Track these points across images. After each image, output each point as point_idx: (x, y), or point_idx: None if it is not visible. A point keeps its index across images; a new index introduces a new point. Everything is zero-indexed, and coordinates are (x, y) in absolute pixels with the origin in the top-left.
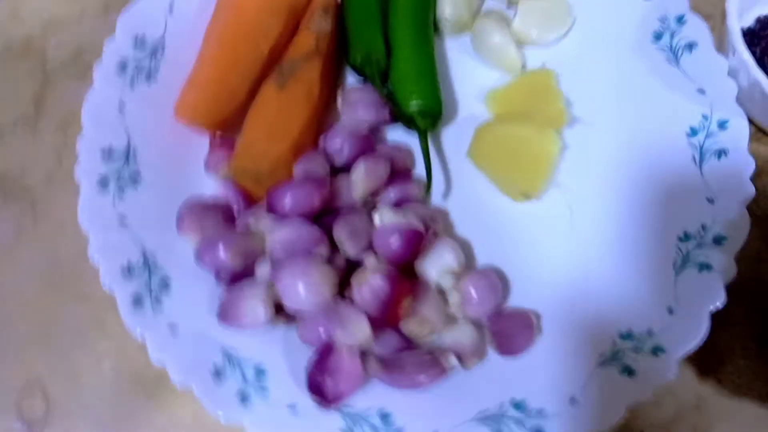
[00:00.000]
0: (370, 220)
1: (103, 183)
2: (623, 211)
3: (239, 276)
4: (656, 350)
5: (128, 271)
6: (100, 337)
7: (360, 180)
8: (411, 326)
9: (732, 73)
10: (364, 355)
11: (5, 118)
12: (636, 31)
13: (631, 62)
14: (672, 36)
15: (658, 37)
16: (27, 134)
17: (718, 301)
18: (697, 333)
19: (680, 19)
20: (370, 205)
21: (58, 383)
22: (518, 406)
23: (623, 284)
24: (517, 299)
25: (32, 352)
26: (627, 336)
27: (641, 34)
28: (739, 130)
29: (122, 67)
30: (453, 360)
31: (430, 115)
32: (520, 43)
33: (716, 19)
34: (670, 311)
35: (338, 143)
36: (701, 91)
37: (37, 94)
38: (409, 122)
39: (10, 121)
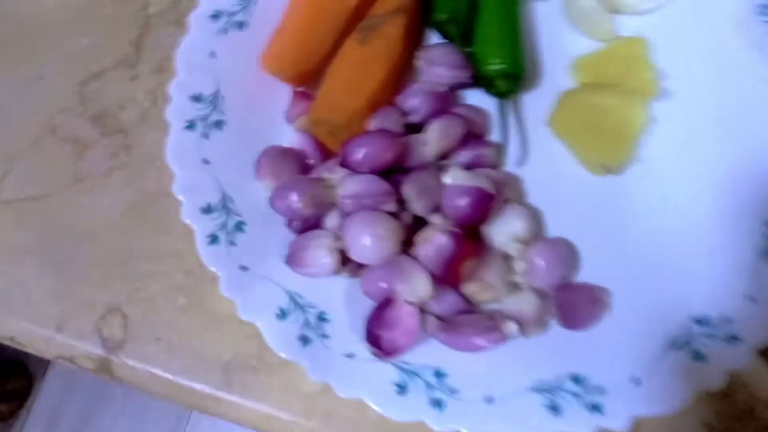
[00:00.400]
0: (440, 179)
1: (191, 125)
2: (708, 191)
3: (310, 225)
4: (732, 338)
5: (208, 210)
6: (177, 269)
7: (434, 138)
8: (472, 289)
9: None
10: (423, 312)
11: (108, 59)
12: (739, 3)
13: (731, 35)
14: None
15: (764, 9)
16: (126, 75)
17: None
18: None
19: None
20: (442, 165)
21: (136, 310)
22: (577, 380)
23: (702, 267)
24: (586, 274)
25: (114, 276)
26: (702, 321)
27: (745, 4)
28: None
29: (216, 15)
30: (513, 327)
31: (511, 78)
32: (614, 11)
33: None
34: (753, 299)
35: (415, 101)
36: None
37: (137, 37)
38: (489, 84)
39: (112, 62)
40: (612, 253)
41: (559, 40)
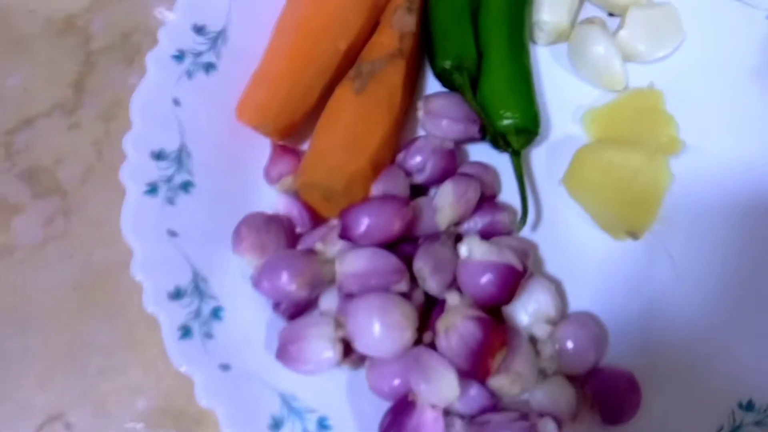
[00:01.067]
0: (455, 251)
1: (152, 189)
2: (740, 253)
3: (301, 307)
4: None
5: (177, 294)
6: (135, 363)
7: (448, 205)
8: (501, 382)
9: None
10: (445, 414)
11: (41, 103)
12: (756, 54)
13: (749, 89)
14: None
15: None
16: (64, 122)
17: None
18: None
19: None
20: (453, 233)
21: (82, 418)
22: None
23: (739, 346)
24: (613, 356)
25: (55, 377)
26: (747, 407)
27: (762, 59)
28: None
29: (179, 55)
30: (551, 426)
31: (525, 133)
32: (624, 58)
33: None
34: None
35: (420, 159)
36: None
37: (78, 77)
38: (499, 140)
39: (47, 107)
40: (640, 329)
41: (568, 90)
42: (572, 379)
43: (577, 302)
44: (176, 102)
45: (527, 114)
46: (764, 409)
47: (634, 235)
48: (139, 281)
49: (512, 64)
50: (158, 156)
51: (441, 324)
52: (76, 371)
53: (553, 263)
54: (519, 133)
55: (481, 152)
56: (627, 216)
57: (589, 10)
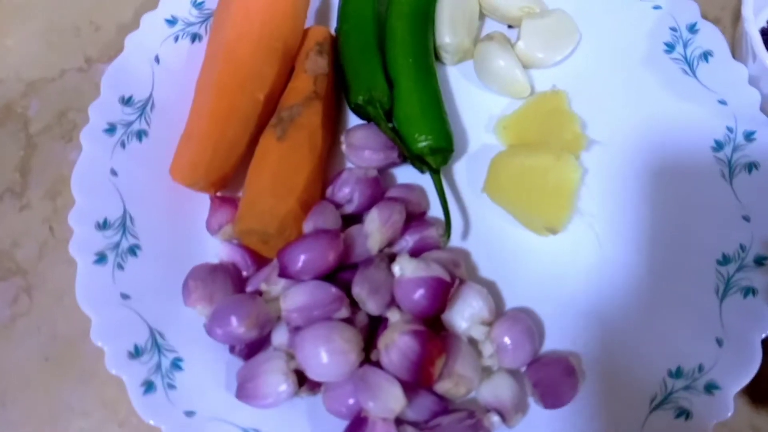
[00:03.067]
0: (389, 271)
1: (101, 258)
2: (654, 235)
3: (256, 346)
4: (710, 387)
5: (136, 353)
6: (111, 421)
7: (375, 230)
8: (447, 387)
9: (752, 81)
10: (398, 423)
11: None
12: (646, 42)
13: (644, 76)
14: (685, 45)
15: (670, 47)
16: (14, 205)
17: None
18: (751, 364)
19: (692, 28)
20: (386, 255)
21: None
22: None
23: (664, 316)
24: (552, 341)
25: None
26: (677, 374)
27: (652, 46)
28: None
29: (111, 128)
30: (496, 419)
31: (440, 152)
32: (526, 66)
33: (725, 23)
34: (719, 342)
35: (347, 191)
36: (722, 102)
37: (22, 160)
38: (419, 161)
39: None
40: (572, 316)
41: (479, 103)
42: (516, 371)
43: (513, 300)
44: (113, 172)
45: (440, 134)
46: (692, 373)
47: (553, 230)
48: (100, 347)
49: (421, 89)
50: (103, 226)
51: (381, 342)
52: None
53: (486, 267)
54: (435, 153)
55: (407, 174)
56: (544, 213)
57: (492, 26)
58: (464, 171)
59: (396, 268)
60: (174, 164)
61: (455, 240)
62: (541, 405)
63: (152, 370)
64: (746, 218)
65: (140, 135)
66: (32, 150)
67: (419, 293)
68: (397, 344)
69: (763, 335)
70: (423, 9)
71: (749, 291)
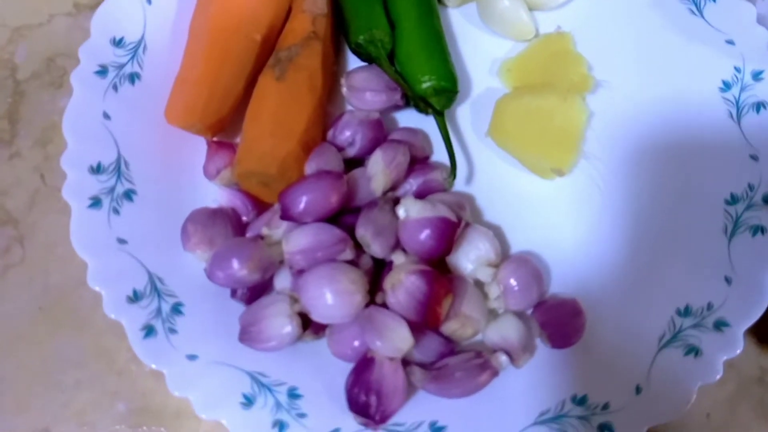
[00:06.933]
0: (394, 214)
1: (96, 202)
2: (661, 177)
3: (258, 290)
4: (719, 324)
5: (135, 298)
6: (109, 371)
7: (379, 172)
8: (453, 327)
9: (761, 20)
10: (406, 364)
11: None
12: None
13: (650, 16)
14: None
15: None
16: (3, 154)
17: None
18: (760, 301)
19: None
20: (390, 198)
21: (66, 429)
22: (580, 401)
23: (671, 257)
24: (558, 286)
25: (34, 396)
26: (685, 312)
27: None
28: None
29: (102, 70)
30: (503, 359)
31: (444, 93)
32: (530, 8)
33: None
34: (728, 281)
35: (349, 133)
36: (730, 42)
37: (10, 108)
38: (423, 103)
39: None
40: (579, 259)
41: (483, 46)
42: (522, 313)
43: (518, 244)
44: (106, 115)
45: (444, 75)
46: (701, 311)
47: (559, 172)
48: (98, 291)
49: (423, 29)
50: (97, 170)
51: (387, 282)
52: (53, 388)
53: (490, 211)
54: (439, 94)
55: (410, 118)
56: (551, 155)
57: None
58: (468, 115)
59: (401, 210)
60: (169, 107)
61: (459, 185)
62: (549, 345)
63: (152, 314)
64: (754, 157)
65: (133, 78)
66: (20, 97)
67: (425, 233)
68: (404, 284)
69: None
70: None
71: (758, 229)
